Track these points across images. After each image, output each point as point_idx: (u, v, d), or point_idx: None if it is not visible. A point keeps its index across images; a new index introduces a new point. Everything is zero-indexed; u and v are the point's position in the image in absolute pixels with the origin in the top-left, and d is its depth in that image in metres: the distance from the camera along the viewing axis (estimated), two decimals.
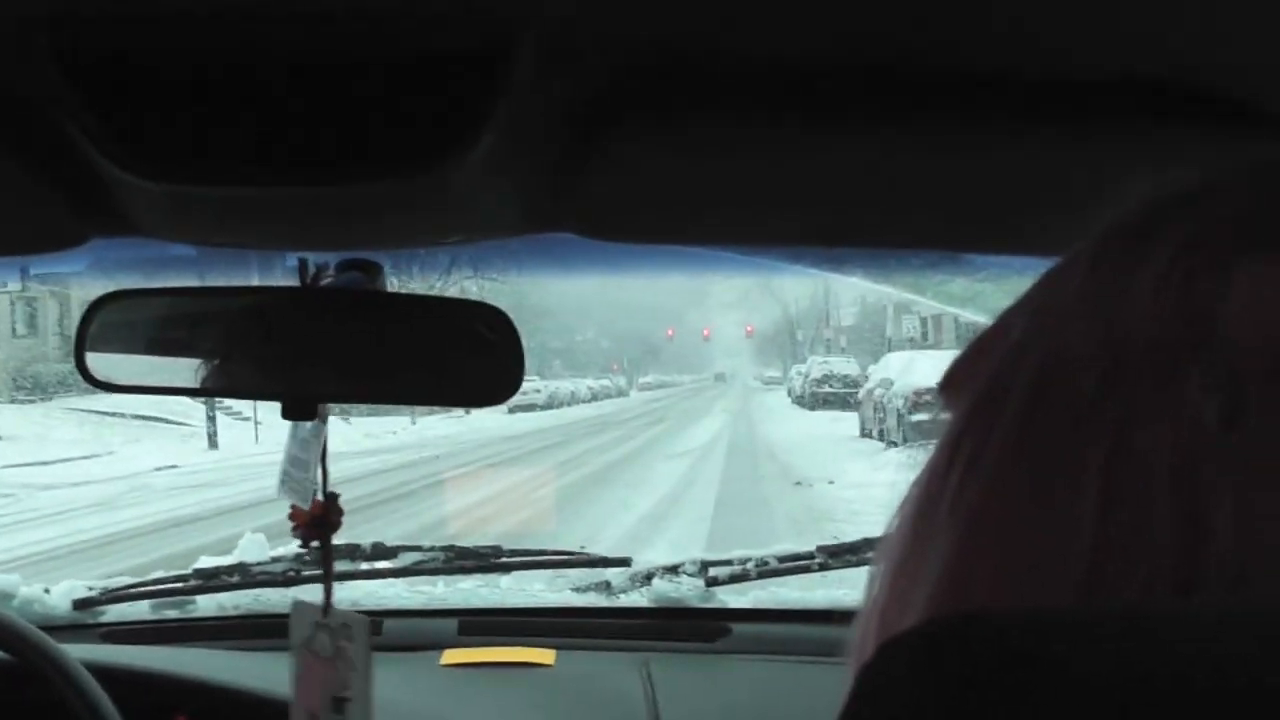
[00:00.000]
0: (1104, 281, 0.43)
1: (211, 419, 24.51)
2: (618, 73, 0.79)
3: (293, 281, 1.23)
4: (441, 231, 1.09)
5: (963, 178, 0.96)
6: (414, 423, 30.20)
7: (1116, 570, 0.38)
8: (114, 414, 25.43)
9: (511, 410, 37.43)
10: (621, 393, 58.02)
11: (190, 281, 1.29)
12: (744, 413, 35.76)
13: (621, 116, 0.83)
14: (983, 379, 0.45)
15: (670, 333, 79.82)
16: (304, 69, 0.77)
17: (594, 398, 49.47)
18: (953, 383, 0.47)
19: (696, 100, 0.82)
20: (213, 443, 23.95)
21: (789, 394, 41.67)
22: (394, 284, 1.27)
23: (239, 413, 26.92)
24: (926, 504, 0.45)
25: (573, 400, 45.05)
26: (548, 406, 39.93)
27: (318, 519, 1.40)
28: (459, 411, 33.95)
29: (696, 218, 1.09)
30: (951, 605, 0.42)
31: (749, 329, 77.28)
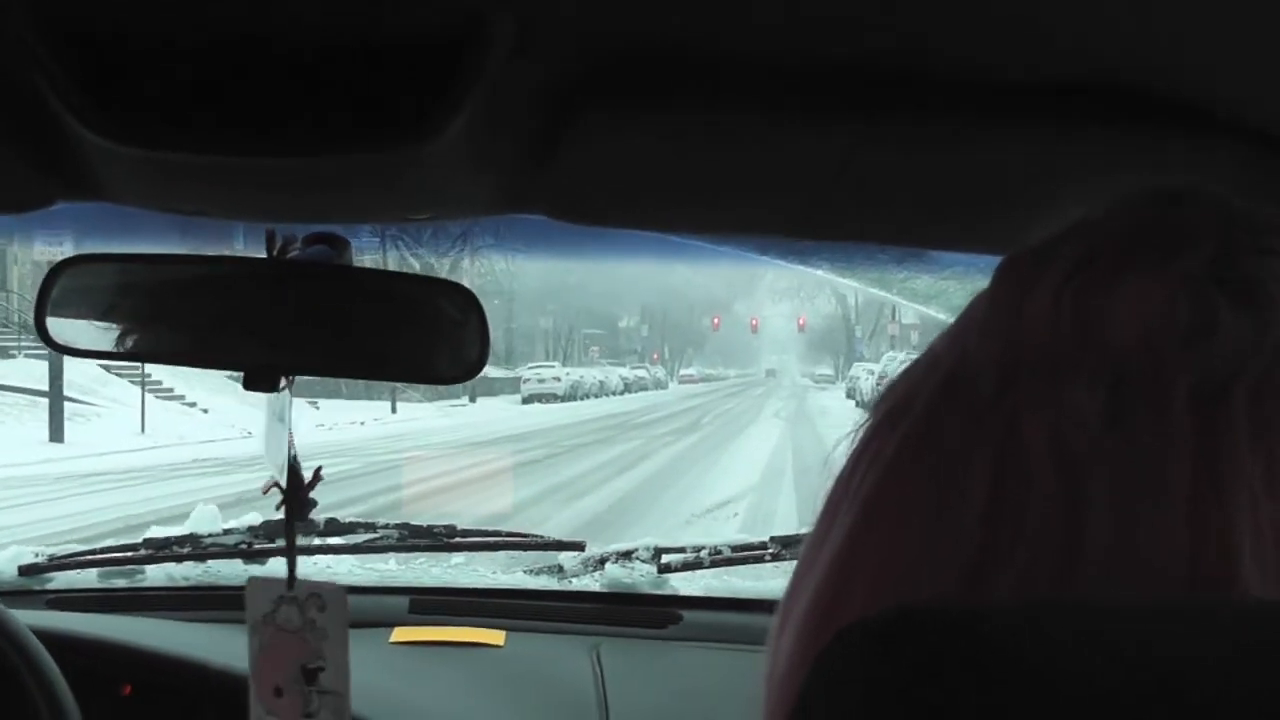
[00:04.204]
0: (1006, 297, 0.46)
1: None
2: (592, 58, 0.79)
3: (258, 252, 1.23)
4: (412, 208, 1.09)
5: (931, 174, 0.97)
6: (394, 410, 27.55)
7: (999, 557, 0.41)
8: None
9: (526, 400, 35.08)
10: (659, 384, 53.22)
11: (153, 248, 1.28)
12: (801, 418, 27.76)
13: (594, 101, 0.84)
14: (899, 393, 0.48)
15: (716, 322, 75.48)
16: (282, 40, 0.77)
17: (626, 389, 45.03)
18: (880, 399, 0.49)
19: (669, 87, 0.82)
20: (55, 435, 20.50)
21: (851, 395, 35.67)
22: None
23: (174, 393, 25.25)
24: (831, 504, 0.48)
25: (601, 391, 40.77)
26: (569, 397, 36.22)
27: (289, 490, 1.39)
28: (460, 398, 31.84)
29: (666, 204, 1.09)
30: (834, 589, 0.45)
31: (801, 321, 72.42)
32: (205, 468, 15.44)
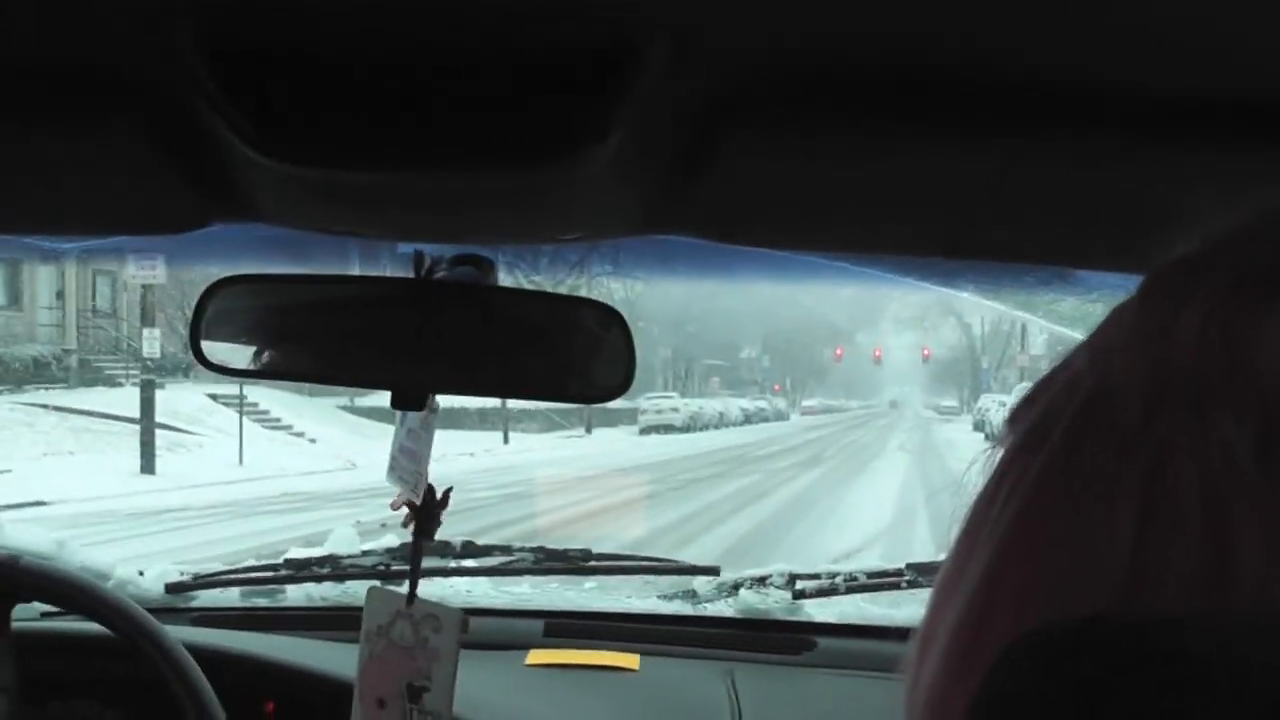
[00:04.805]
0: (1152, 317, 0.44)
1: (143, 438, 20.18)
2: (741, 76, 0.79)
3: (401, 273, 1.25)
4: (561, 228, 1.10)
5: (1085, 191, 0.95)
6: (506, 441, 26.44)
7: (1146, 593, 0.39)
8: (88, 413, 22.30)
9: (644, 431, 34.66)
10: (780, 416, 51.66)
11: (303, 270, 1.31)
12: (929, 451, 26.57)
13: (743, 119, 0.83)
14: (1037, 411, 0.46)
15: (839, 353, 73.69)
16: (435, 59, 0.78)
17: (747, 420, 44.06)
18: (1015, 417, 0.48)
19: (818, 105, 0.81)
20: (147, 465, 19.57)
21: (980, 428, 33.30)
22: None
23: (281, 423, 24.89)
24: (971, 528, 0.47)
25: (721, 423, 39.92)
26: (688, 429, 35.54)
27: (419, 509, 1.41)
28: (577, 429, 31.77)
29: (813, 224, 1.09)
30: (978, 616, 0.44)
31: (925, 352, 71.07)
32: (294, 502, 15.01)
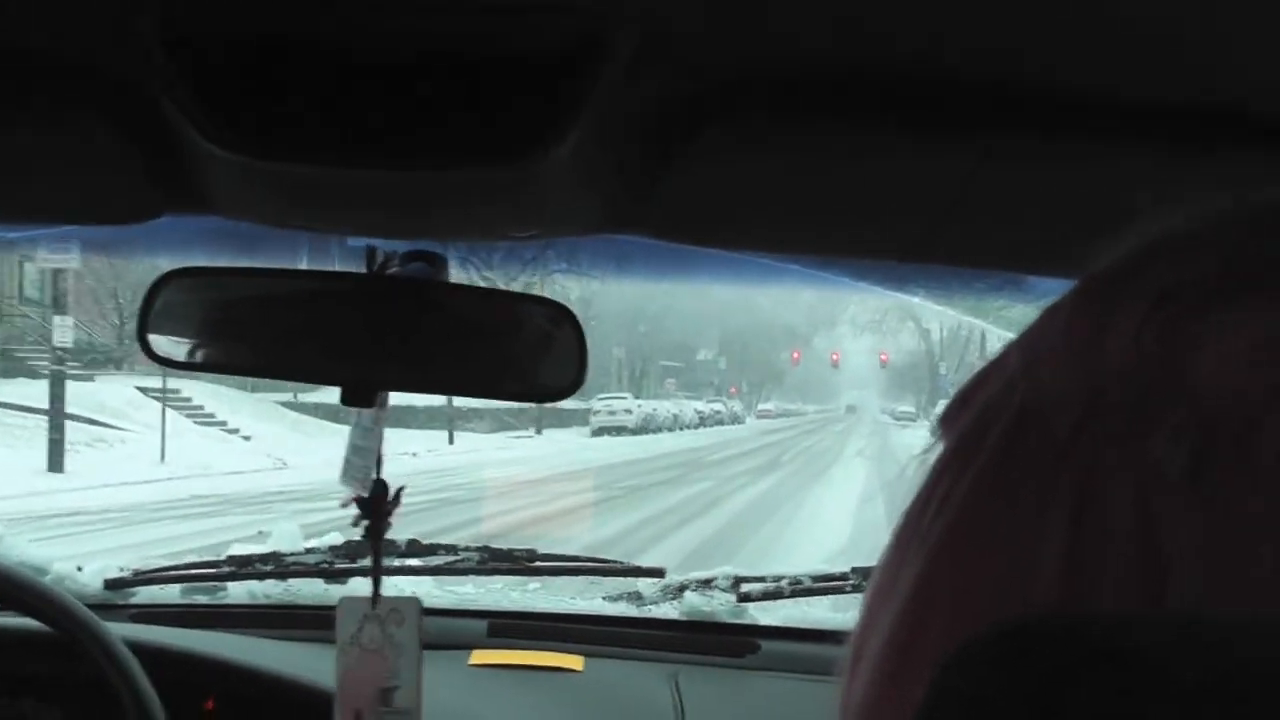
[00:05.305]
0: (1085, 324, 0.43)
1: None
2: (707, 78, 0.79)
3: (352, 268, 1.24)
4: (519, 226, 1.09)
5: (1039, 197, 0.96)
6: (451, 441, 26.00)
7: (1080, 605, 0.39)
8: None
9: (596, 432, 34.28)
10: (736, 419, 51.30)
11: (256, 263, 1.29)
12: (887, 457, 25.15)
13: (707, 121, 0.83)
14: (970, 415, 0.46)
15: (796, 356, 73.74)
16: (395, 54, 0.78)
17: (702, 423, 43.71)
18: (948, 417, 0.47)
19: (781, 107, 0.82)
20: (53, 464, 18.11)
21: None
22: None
23: (215, 418, 23.64)
24: (905, 534, 0.47)
25: (675, 425, 39.50)
26: (641, 430, 35.03)
27: (372, 507, 1.40)
28: (527, 429, 30.99)
29: (776, 226, 1.09)
30: (910, 626, 0.44)
31: (884, 356, 70.81)
32: (204, 505, 13.99)
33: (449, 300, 1.23)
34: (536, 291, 1.33)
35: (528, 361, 1.24)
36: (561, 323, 1.19)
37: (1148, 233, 0.45)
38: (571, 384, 1.19)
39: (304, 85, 0.79)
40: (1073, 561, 0.39)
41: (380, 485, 1.40)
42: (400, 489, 1.46)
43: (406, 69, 0.78)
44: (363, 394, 1.24)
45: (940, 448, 0.47)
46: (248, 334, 1.27)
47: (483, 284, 1.39)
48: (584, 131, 0.79)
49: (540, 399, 1.26)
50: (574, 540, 11.14)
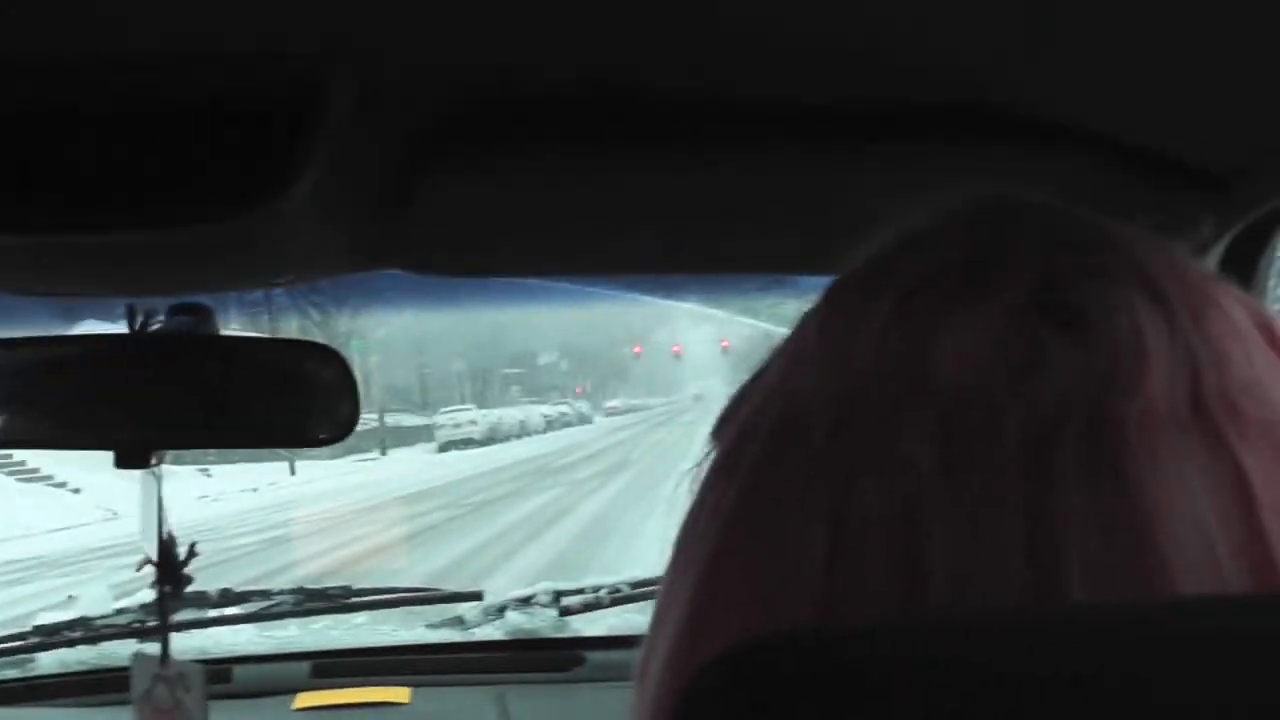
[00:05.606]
0: (835, 327, 0.44)
1: None
2: (436, 105, 0.80)
3: (121, 328, 1.22)
4: (270, 272, 1.09)
5: (778, 200, 0.98)
6: (293, 472, 24.52)
7: (843, 609, 0.39)
8: None
9: (443, 448, 32.92)
10: (584, 419, 49.97)
11: (12, 332, 1.26)
12: None
13: (443, 150, 0.84)
14: (736, 424, 0.47)
15: (638, 351, 72.50)
16: (121, 115, 0.77)
17: (549, 426, 42.39)
18: (716, 432, 0.48)
19: (516, 131, 0.83)
20: None
21: None
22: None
23: (40, 473, 22.11)
24: (684, 545, 0.47)
25: (523, 431, 38.21)
26: (488, 440, 33.64)
27: (159, 565, 1.38)
28: (370, 451, 29.91)
29: (526, 249, 1.10)
30: (689, 636, 0.44)
31: (724, 344, 71.15)
32: (11, 571, 12.69)
33: (213, 352, 1.21)
34: (314, 336, 1.32)
35: (299, 407, 1.23)
36: (329, 364, 1.19)
37: (893, 232, 0.46)
38: (346, 424, 1.19)
39: (28, 153, 0.78)
40: (834, 563, 0.40)
41: (167, 544, 1.38)
42: (192, 545, 1.43)
43: (132, 130, 0.78)
44: (137, 455, 1.22)
45: (709, 461, 0.47)
46: (30, 404, 1.25)
47: (258, 333, 1.38)
48: (318, 172, 0.79)
49: (315, 443, 1.25)
50: (417, 568, 10.96)
